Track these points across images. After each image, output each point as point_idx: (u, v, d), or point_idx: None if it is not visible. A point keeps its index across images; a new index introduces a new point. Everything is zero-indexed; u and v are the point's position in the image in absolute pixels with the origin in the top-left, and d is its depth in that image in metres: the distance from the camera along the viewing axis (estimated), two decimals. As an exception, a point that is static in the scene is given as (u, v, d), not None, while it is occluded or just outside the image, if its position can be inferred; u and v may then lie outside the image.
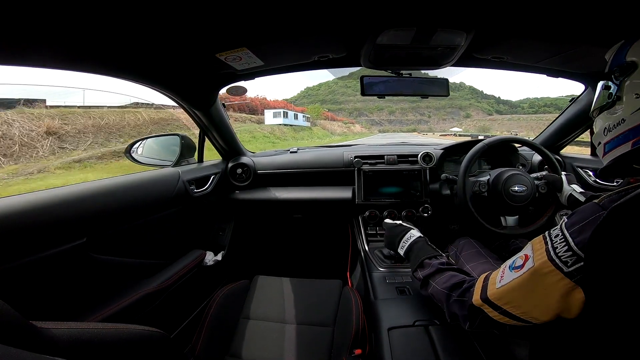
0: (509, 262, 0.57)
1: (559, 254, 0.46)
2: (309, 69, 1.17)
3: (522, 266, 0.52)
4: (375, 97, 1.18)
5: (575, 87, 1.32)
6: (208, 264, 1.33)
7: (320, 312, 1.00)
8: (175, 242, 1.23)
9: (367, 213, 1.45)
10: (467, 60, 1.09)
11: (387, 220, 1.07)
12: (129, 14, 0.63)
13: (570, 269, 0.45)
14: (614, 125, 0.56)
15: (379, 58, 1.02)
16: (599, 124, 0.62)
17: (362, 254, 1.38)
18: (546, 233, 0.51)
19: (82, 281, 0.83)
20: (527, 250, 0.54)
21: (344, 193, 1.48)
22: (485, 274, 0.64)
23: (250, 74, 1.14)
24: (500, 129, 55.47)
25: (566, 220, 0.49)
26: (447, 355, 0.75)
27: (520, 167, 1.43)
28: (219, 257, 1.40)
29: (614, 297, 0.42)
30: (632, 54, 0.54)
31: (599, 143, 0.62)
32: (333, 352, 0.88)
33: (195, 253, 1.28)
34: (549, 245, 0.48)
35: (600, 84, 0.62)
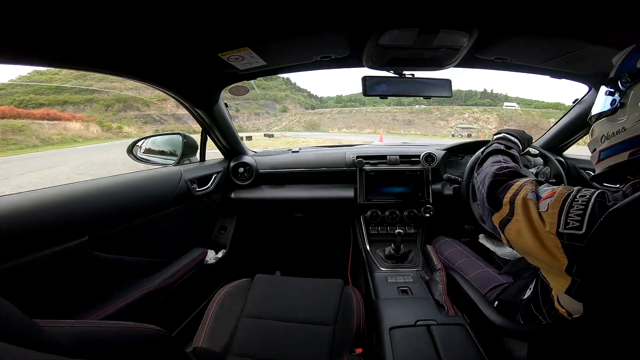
0: (541, 187, 0.55)
1: (569, 215, 0.44)
2: (311, 69, 1.17)
3: (544, 198, 0.50)
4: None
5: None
6: (209, 263, 1.33)
7: (321, 311, 1.00)
8: (176, 241, 1.23)
9: (368, 213, 1.45)
10: (470, 61, 1.09)
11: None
12: (132, 14, 0.64)
13: (564, 231, 0.44)
14: (613, 133, 0.54)
15: (382, 58, 1.02)
16: (597, 129, 0.60)
17: (364, 253, 1.38)
18: (575, 189, 0.48)
19: (84, 279, 0.83)
20: (555, 188, 0.52)
21: (346, 192, 1.48)
22: (526, 180, 0.60)
23: (252, 74, 1.15)
24: (332, 124, 49.60)
25: (606, 192, 0.46)
26: (448, 355, 0.75)
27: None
28: (220, 255, 1.41)
29: (607, 295, 0.42)
30: None
31: (594, 149, 0.60)
32: (334, 351, 0.88)
33: (197, 251, 1.29)
34: (565, 207, 0.46)
35: (603, 89, 0.59)
